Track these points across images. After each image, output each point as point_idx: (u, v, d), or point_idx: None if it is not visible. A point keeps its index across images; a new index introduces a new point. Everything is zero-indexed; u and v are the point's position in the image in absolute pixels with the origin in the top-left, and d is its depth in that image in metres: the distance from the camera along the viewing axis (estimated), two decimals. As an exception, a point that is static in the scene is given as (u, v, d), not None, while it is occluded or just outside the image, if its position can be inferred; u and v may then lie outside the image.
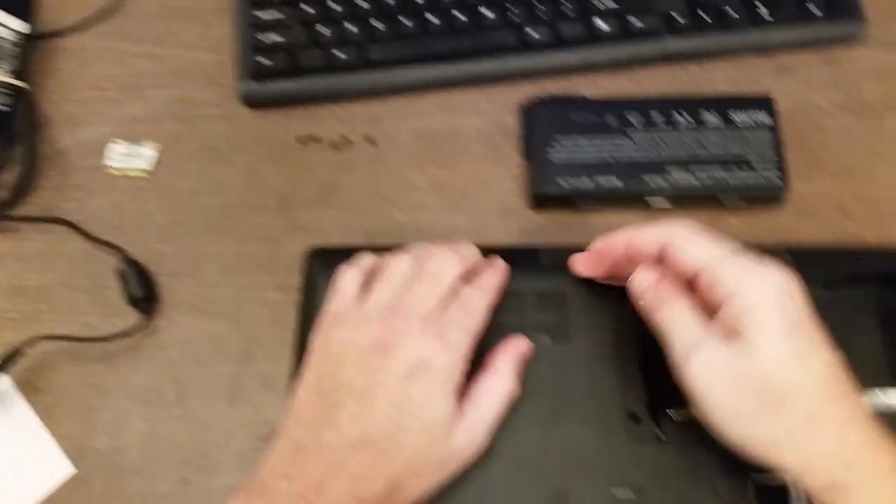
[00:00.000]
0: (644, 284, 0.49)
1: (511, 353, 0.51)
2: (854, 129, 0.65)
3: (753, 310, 0.44)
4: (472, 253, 0.53)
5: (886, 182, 0.63)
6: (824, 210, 0.62)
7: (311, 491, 0.43)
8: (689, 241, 0.47)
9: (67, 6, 0.71)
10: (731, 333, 0.44)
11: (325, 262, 0.57)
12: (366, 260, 0.53)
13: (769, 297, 0.44)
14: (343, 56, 0.65)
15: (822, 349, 0.44)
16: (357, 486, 0.43)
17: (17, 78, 0.64)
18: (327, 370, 0.47)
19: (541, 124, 0.63)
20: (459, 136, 0.66)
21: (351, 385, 0.45)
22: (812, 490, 0.43)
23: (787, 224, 0.61)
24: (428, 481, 0.46)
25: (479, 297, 0.50)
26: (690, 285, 0.48)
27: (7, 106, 0.63)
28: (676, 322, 0.46)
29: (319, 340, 0.49)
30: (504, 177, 0.64)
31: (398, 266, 0.50)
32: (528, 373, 0.52)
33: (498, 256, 0.55)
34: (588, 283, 0.55)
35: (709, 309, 0.46)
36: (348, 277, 0.51)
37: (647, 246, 0.49)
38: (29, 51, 0.67)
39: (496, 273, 0.53)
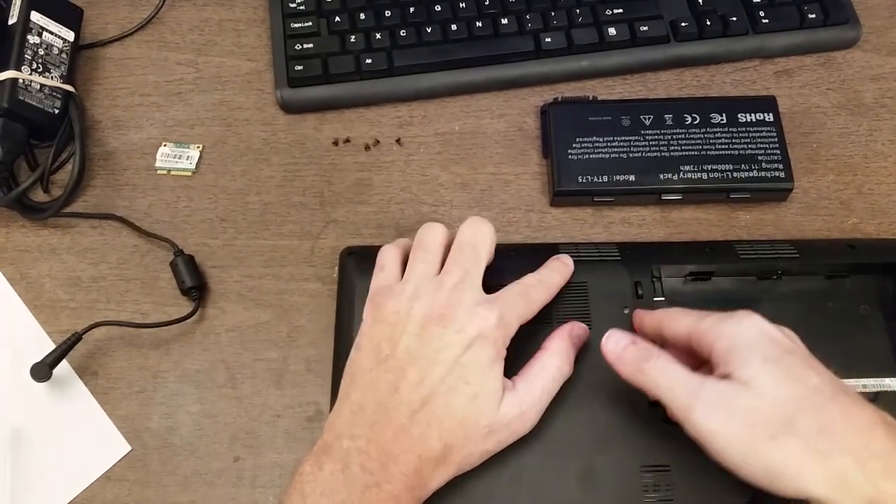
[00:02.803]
0: (619, 347, 0.49)
1: (567, 336, 0.53)
2: (852, 128, 0.69)
3: (734, 349, 0.45)
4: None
5: (884, 177, 0.67)
6: (827, 204, 0.66)
7: (375, 448, 0.46)
8: (676, 313, 0.51)
9: (109, 18, 0.75)
10: (725, 376, 0.45)
11: (357, 260, 0.61)
12: (404, 240, 0.56)
13: (744, 336, 0.45)
14: (371, 62, 0.70)
15: (816, 370, 0.44)
16: (416, 444, 0.47)
17: (66, 83, 0.68)
18: (383, 337, 0.50)
19: (559, 125, 0.67)
20: (482, 138, 0.70)
21: (409, 351, 0.48)
22: None
23: (792, 218, 0.65)
24: (478, 446, 0.48)
25: (542, 291, 0.53)
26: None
27: (57, 109, 0.67)
28: (667, 373, 0.46)
29: (372, 311, 0.52)
30: (525, 175, 0.68)
31: (432, 236, 0.53)
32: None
33: (566, 256, 0.57)
34: (606, 276, 0.58)
35: (705, 369, 0.48)
36: (388, 254, 0.54)
37: (647, 328, 0.53)
38: (76, 59, 0.71)
39: (561, 272, 0.56)
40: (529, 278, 0.54)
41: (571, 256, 0.58)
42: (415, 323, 0.49)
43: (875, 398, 0.54)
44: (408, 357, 0.48)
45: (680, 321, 0.49)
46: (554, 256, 0.57)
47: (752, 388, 0.43)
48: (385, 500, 0.45)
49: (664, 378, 0.46)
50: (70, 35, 0.70)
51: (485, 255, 0.52)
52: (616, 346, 0.49)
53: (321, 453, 0.47)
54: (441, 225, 0.54)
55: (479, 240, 0.52)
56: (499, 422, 0.48)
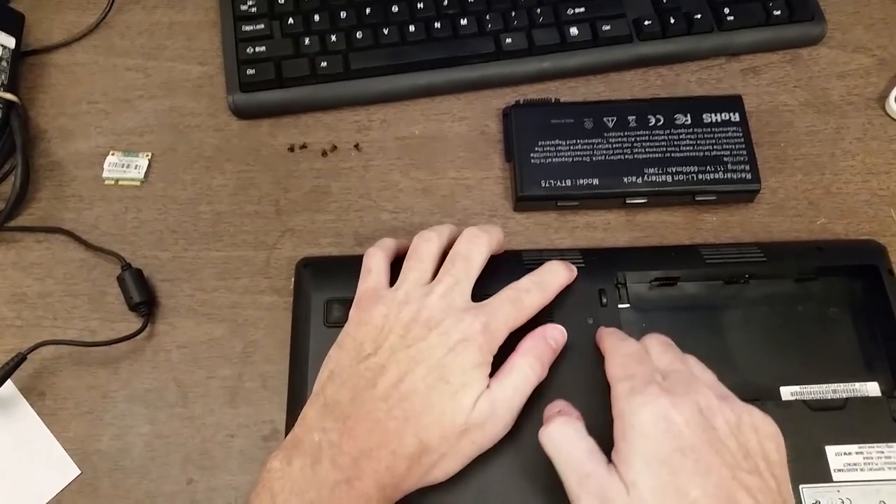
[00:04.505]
0: (549, 411, 0.49)
1: (541, 338, 0.52)
2: (820, 127, 0.68)
3: (626, 437, 0.43)
4: (497, 232, 0.55)
5: (852, 176, 0.66)
6: (795, 205, 0.65)
7: (347, 441, 0.45)
8: (614, 351, 0.50)
9: (55, 22, 0.73)
10: (614, 464, 0.43)
11: (313, 272, 0.59)
12: (388, 242, 0.55)
13: (639, 426, 0.43)
14: (326, 65, 0.67)
15: (709, 476, 0.41)
16: (391, 439, 0.45)
17: (8, 92, 0.66)
18: (368, 338, 0.49)
19: (521, 129, 0.65)
20: (443, 142, 0.68)
21: (392, 350, 0.48)
22: None
23: (760, 219, 0.64)
24: (453, 447, 0.47)
25: (536, 296, 0.52)
26: None
27: (-2, 119, 0.65)
28: (564, 447, 0.45)
29: (358, 313, 0.51)
30: (488, 180, 0.66)
31: (427, 246, 0.53)
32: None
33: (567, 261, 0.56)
34: (570, 283, 0.56)
35: None
36: (376, 258, 0.54)
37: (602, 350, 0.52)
38: (18, 66, 0.69)
39: (563, 273, 0.55)
40: (525, 281, 0.53)
41: (535, 264, 0.56)
42: (401, 325, 0.49)
43: (845, 405, 0.53)
44: (390, 355, 0.48)
45: (609, 365, 0.49)
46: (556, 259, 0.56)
47: (629, 493, 0.41)
48: (355, 499, 0.44)
49: (561, 452, 0.45)
50: (10, 41, 0.67)
51: (477, 266, 0.52)
52: (548, 410, 0.49)
53: (291, 448, 0.46)
54: (436, 234, 0.54)
55: (473, 252, 0.52)
56: (475, 422, 0.47)
